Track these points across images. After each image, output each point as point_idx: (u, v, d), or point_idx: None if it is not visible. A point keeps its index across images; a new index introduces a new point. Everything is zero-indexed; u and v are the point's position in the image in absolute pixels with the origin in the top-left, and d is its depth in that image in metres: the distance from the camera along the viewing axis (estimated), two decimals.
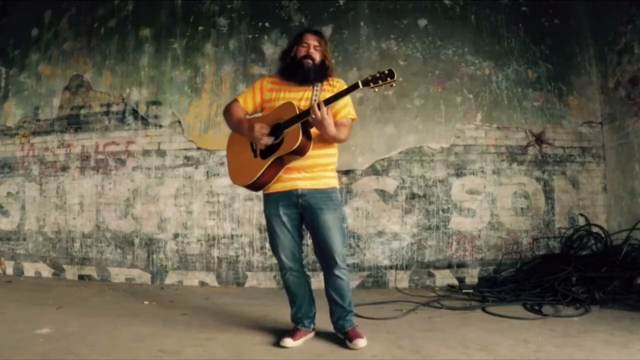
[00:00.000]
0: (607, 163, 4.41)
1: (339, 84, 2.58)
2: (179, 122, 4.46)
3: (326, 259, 2.52)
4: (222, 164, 4.34)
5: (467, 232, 4.23)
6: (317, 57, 2.53)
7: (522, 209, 4.31)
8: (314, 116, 2.31)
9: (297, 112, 2.38)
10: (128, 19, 4.70)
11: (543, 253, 4.22)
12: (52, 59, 4.85)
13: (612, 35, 4.28)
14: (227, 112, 2.66)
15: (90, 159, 4.61)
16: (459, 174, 4.28)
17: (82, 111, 4.68)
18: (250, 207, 4.28)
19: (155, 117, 4.51)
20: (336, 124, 2.44)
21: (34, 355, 2.34)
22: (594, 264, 3.64)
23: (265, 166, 2.43)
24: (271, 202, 2.55)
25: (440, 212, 4.23)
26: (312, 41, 2.55)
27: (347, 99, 2.52)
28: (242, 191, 4.29)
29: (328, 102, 2.35)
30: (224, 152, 4.31)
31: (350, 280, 2.60)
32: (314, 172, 2.49)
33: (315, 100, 2.45)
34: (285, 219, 2.52)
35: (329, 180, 2.54)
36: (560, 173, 4.38)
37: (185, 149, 4.42)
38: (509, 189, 4.31)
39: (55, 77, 4.82)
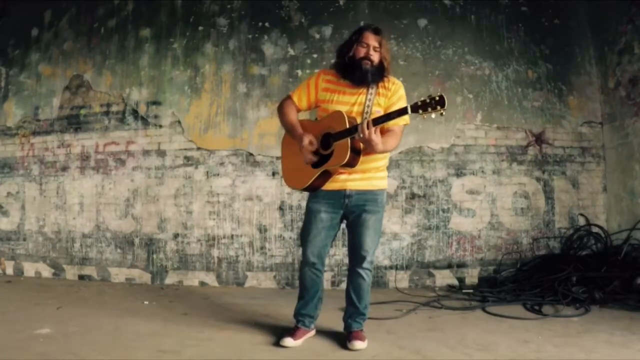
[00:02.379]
0: (607, 163, 4.41)
1: (395, 87, 2.53)
2: (179, 122, 4.46)
3: (355, 256, 2.53)
4: (222, 164, 4.34)
5: (467, 232, 4.23)
6: (375, 58, 2.47)
7: (522, 209, 4.31)
8: (361, 135, 2.29)
9: (347, 126, 2.36)
10: (128, 19, 4.70)
11: (543, 253, 4.22)
12: (52, 59, 4.84)
13: (612, 35, 4.27)
14: (281, 111, 2.64)
15: (90, 159, 4.61)
16: (459, 174, 4.28)
17: (82, 111, 4.68)
18: (250, 207, 4.28)
19: (155, 117, 4.51)
20: (386, 132, 2.42)
21: (34, 355, 2.34)
22: (594, 264, 3.64)
23: (315, 176, 2.46)
24: (317, 197, 2.55)
25: (440, 212, 4.23)
26: (372, 42, 2.47)
27: (403, 100, 2.49)
28: (242, 191, 4.30)
29: (377, 122, 2.31)
30: (224, 152, 4.36)
31: (370, 284, 2.60)
32: (364, 174, 2.50)
33: (368, 106, 2.44)
34: (324, 216, 2.53)
35: (378, 181, 2.55)
36: (560, 173, 4.38)
37: (185, 149, 4.42)
38: (509, 189, 4.31)
39: (55, 77, 4.82)
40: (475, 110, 4.36)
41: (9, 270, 4.71)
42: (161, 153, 4.46)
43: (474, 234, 4.24)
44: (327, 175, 2.48)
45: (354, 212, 2.51)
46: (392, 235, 4.19)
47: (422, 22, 4.43)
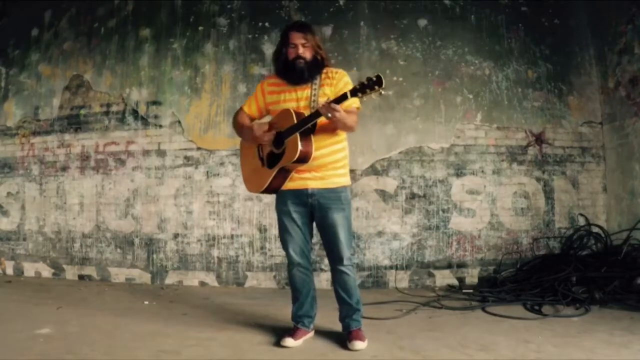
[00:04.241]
0: (607, 163, 4.41)
1: (338, 75, 2.56)
2: (179, 122, 4.46)
3: (332, 256, 2.56)
4: (222, 164, 4.34)
5: (467, 232, 4.23)
6: (307, 55, 2.50)
7: (522, 209, 4.31)
8: (328, 114, 2.28)
9: (295, 121, 2.38)
10: (128, 19, 4.70)
11: (543, 253, 4.22)
12: (52, 59, 4.85)
13: (612, 35, 4.27)
14: (234, 121, 2.74)
15: (90, 159, 4.61)
16: (459, 174, 4.28)
17: (82, 111, 4.68)
18: (250, 207, 4.28)
19: (155, 117, 4.51)
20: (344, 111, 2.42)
21: (34, 355, 2.34)
22: (594, 264, 3.64)
23: (272, 176, 2.49)
24: (282, 199, 2.58)
25: (440, 212, 4.23)
26: (297, 40, 2.50)
27: (350, 85, 2.47)
28: (242, 191, 4.29)
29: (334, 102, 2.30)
30: (224, 152, 4.36)
31: (356, 278, 2.61)
32: (323, 171, 2.50)
33: (314, 100, 2.47)
34: (295, 215, 2.55)
35: (339, 179, 2.55)
36: (560, 173, 4.38)
37: (185, 149, 4.42)
38: (509, 189, 4.31)
39: (55, 77, 4.82)
40: (475, 110, 4.35)
41: (9, 270, 4.71)
42: (161, 153, 4.46)
43: (474, 234, 4.23)
44: (285, 174, 2.50)
45: (320, 213, 2.53)
46: (392, 235, 4.19)
47: (422, 22, 4.43)
